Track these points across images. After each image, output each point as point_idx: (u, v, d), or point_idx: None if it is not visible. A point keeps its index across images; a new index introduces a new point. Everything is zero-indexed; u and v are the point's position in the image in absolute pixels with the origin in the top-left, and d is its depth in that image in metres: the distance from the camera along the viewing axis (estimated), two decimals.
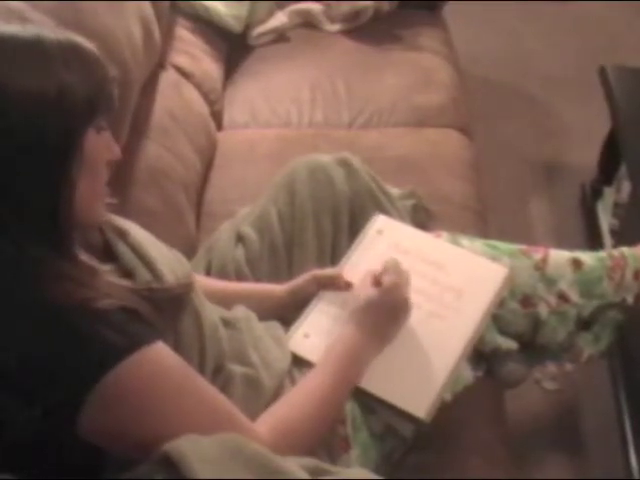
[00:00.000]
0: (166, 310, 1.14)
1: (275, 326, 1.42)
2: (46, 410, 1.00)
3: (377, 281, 1.36)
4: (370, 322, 1.33)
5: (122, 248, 1.19)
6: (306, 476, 1.03)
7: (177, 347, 1.16)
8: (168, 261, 1.24)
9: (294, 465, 1.04)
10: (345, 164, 1.65)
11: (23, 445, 1.05)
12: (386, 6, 2.60)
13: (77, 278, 1.04)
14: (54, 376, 0.99)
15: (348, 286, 1.45)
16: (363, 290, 1.36)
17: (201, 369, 1.22)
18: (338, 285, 1.45)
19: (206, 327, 1.25)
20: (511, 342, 1.49)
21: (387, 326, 1.35)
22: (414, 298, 1.38)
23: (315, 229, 1.60)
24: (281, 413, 1.20)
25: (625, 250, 1.63)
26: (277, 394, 1.29)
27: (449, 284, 1.42)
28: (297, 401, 1.22)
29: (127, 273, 1.16)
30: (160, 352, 1.06)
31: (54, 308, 1.01)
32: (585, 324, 1.60)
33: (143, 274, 1.17)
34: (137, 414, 1.03)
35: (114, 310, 1.03)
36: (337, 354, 1.29)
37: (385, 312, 1.34)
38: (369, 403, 1.31)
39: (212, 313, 1.30)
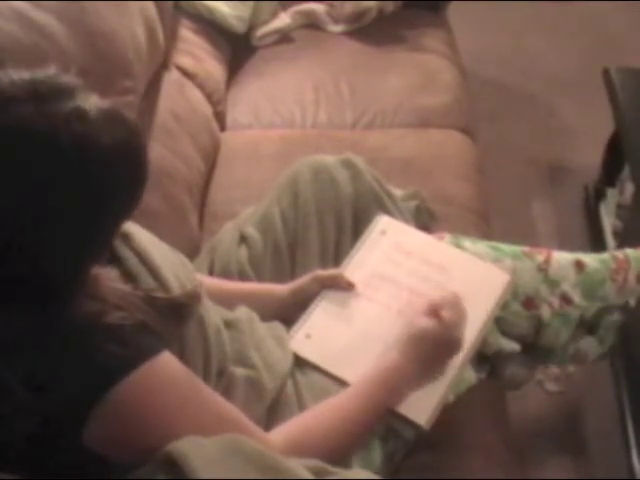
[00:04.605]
0: (170, 317, 1.14)
1: (277, 327, 1.42)
2: (50, 422, 1.01)
3: (434, 312, 1.32)
4: (418, 354, 1.30)
5: (126, 253, 1.19)
6: (310, 476, 1.04)
7: (182, 353, 1.16)
8: (172, 265, 1.24)
9: (297, 465, 1.04)
10: (349, 165, 1.65)
11: (25, 453, 1.05)
12: (390, 7, 2.60)
13: (86, 290, 1.05)
14: (60, 390, 0.99)
15: (350, 286, 1.45)
16: (418, 319, 1.32)
17: (206, 373, 1.22)
18: (340, 285, 1.45)
19: (210, 331, 1.25)
20: (514, 344, 1.49)
21: (434, 362, 1.32)
22: (416, 301, 1.39)
23: (318, 230, 1.60)
24: (301, 423, 1.20)
25: (629, 252, 1.63)
26: (279, 395, 1.29)
27: (451, 289, 1.42)
28: (321, 415, 1.22)
29: (130, 277, 1.16)
30: (166, 363, 1.06)
31: (62, 323, 1.01)
32: (590, 328, 1.60)
33: (147, 281, 1.17)
34: (142, 426, 1.04)
35: (122, 323, 1.03)
36: (374, 377, 1.28)
37: (437, 348, 1.31)
38: None
39: (214, 315, 1.31)
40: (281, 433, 1.17)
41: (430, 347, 1.31)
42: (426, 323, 1.31)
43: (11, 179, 0.96)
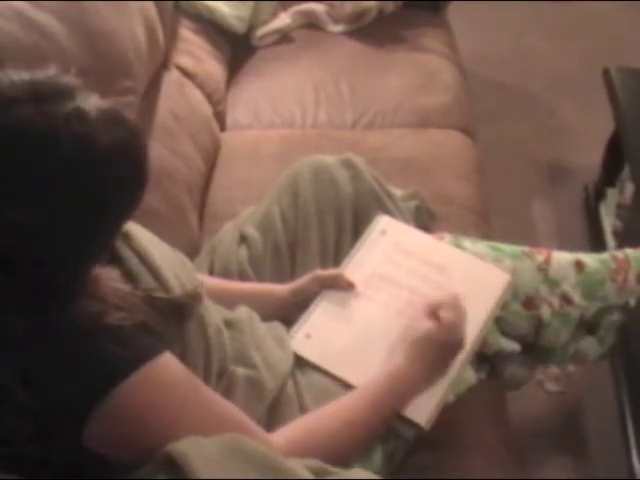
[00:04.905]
0: (171, 317, 1.14)
1: (277, 327, 1.42)
2: (50, 423, 1.01)
3: (433, 313, 1.33)
4: (423, 357, 1.30)
5: (126, 253, 1.19)
6: (309, 476, 1.04)
7: (184, 353, 1.16)
8: (172, 265, 1.24)
9: (298, 465, 1.04)
10: (349, 165, 1.65)
11: (25, 453, 1.05)
12: (390, 7, 2.60)
13: (87, 290, 1.05)
14: (60, 391, 1.00)
15: (350, 286, 1.45)
16: (419, 322, 1.33)
17: (207, 374, 1.22)
18: (340, 285, 1.45)
19: (211, 331, 1.25)
20: (514, 344, 1.49)
21: (439, 363, 1.32)
22: (416, 301, 1.39)
23: (318, 229, 1.60)
24: (306, 424, 1.20)
25: (629, 252, 1.63)
26: (279, 395, 1.29)
27: (451, 289, 1.42)
28: (326, 417, 1.22)
29: (130, 277, 1.16)
30: (167, 364, 1.06)
31: (62, 323, 1.01)
32: (589, 328, 1.60)
33: (147, 281, 1.17)
34: (143, 426, 1.04)
35: (122, 324, 1.03)
36: (379, 381, 1.28)
37: (440, 349, 1.31)
38: None
39: (215, 315, 1.31)
40: (284, 434, 1.17)
41: (434, 350, 1.31)
42: (428, 326, 1.31)
43: (11, 179, 0.96)
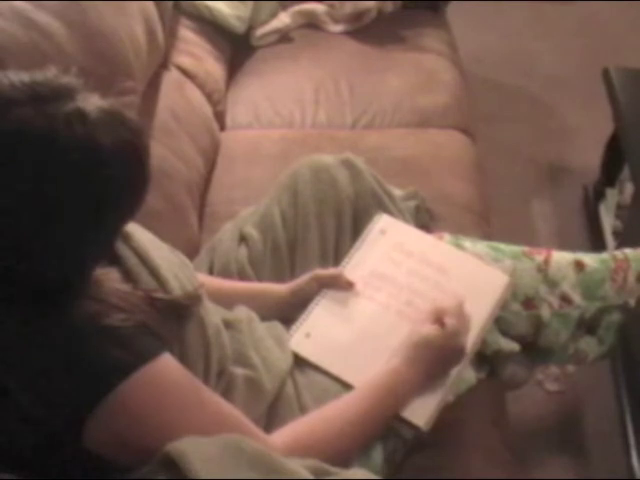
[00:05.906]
0: (171, 318, 1.14)
1: (276, 326, 1.42)
2: (50, 424, 1.01)
3: (438, 319, 1.33)
4: (421, 361, 1.30)
5: (126, 252, 1.19)
6: (309, 476, 1.03)
7: (183, 354, 1.16)
8: (171, 265, 1.24)
9: (297, 465, 1.04)
10: (348, 165, 1.65)
11: (25, 453, 1.05)
12: (389, 7, 2.60)
13: (88, 291, 1.05)
14: (60, 392, 1.00)
15: (350, 285, 1.45)
16: (421, 326, 1.33)
17: (206, 375, 1.22)
18: (340, 284, 1.45)
19: (210, 332, 1.25)
20: (513, 344, 1.49)
21: (436, 369, 1.32)
22: (415, 301, 1.38)
23: (318, 229, 1.60)
24: (306, 425, 1.20)
25: (628, 252, 1.63)
26: (278, 395, 1.29)
27: (451, 289, 1.42)
28: (327, 418, 1.22)
29: (130, 277, 1.16)
30: (165, 366, 1.06)
31: (63, 325, 1.01)
32: (589, 328, 1.60)
33: (147, 281, 1.17)
34: (143, 427, 1.04)
35: (122, 325, 1.03)
36: (378, 383, 1.28)
37: (440, 355, 1.31)
38: None
39: (214, 316, 1.30)
40: (285, 434, 1.17)
41: (433, 354, 1.31)
42: (428, 331, 1.31)
43: (12, 181, 0.96)
